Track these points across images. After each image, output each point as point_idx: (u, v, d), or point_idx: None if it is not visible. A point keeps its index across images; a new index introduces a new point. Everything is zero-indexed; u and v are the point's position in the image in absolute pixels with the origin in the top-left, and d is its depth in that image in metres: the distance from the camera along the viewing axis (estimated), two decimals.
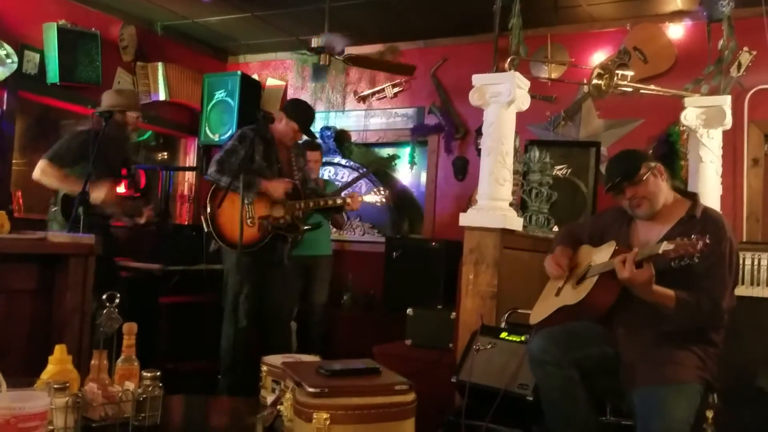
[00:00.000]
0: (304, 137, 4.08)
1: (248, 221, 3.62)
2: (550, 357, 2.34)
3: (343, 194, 4.12)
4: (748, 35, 4.10)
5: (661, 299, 2.24)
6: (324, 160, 5.81)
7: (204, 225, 3.71)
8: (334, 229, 5.24)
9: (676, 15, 4.69)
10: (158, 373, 1.91)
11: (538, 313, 2.63)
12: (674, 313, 2.23)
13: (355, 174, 5.73)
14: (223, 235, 3.67)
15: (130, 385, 1.89)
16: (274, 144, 3.81)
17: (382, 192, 3.89)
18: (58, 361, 1.88)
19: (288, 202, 3.71)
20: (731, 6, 3.63)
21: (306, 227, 3.90)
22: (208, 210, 3.67)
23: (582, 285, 2.46)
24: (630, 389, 2.29)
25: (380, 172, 5.83)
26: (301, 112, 3.87)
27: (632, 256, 2.22)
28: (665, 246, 2.11)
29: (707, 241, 2.06)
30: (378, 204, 3.92)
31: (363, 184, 5.72)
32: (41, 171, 3.54)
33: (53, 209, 3.62)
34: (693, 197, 2.52)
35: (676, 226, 2.42)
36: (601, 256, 2.47)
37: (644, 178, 2.40)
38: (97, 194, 3.46)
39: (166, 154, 6.37)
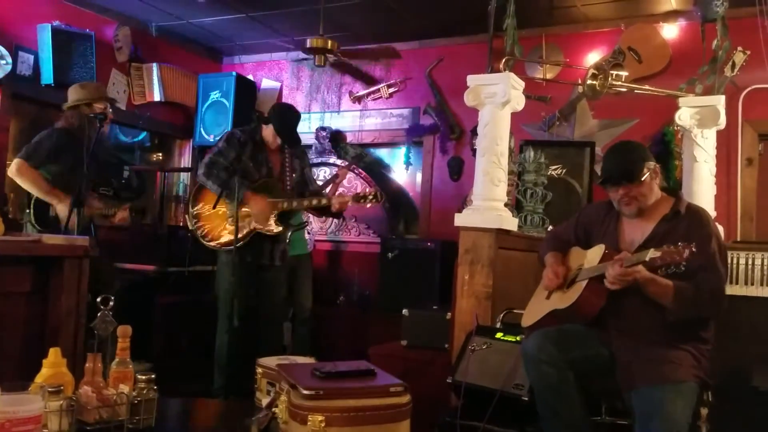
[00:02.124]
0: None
1: (230, 219, 3.63)
2: (546, 356, 2.34)
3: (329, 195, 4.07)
4: (742, 35, 4.12)
5: (659, 289, 2.26)
6: (319, 160, 5.83)
7: (189, 224, 3.76)
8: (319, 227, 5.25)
9: (671, 15, 4.71)
10: (153, 376, 1.91)
11: (529, 316, 2.64)
12: (673, 304, 2.24)
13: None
14: (204, 234, 3.71)
15: (124, 388, 1.89)
16: (263, 146, 3.77)
17: (370, 191, 3.74)
18: (53, 365, 1.87)
19: (270, 201, 3.68)
20: (725, 6, 3.64)
21: (293, 227, 3.89)
22: (191, 210, 3.73)
23: (572, 289, 2.47)
24: (628, 389, 2.30)
25: (374, 171, 5.84)
26: (278, 117, 3.75)
27: (619, 266, 2.24)
28: (652, 254, 2.14)
29: (693, 249, 2.08)
30: (369, 204, 3.72)
31: (359, 184, 5.73)
32: (17, 170, 3.55)
33: (27, 211, 3.63)
34: (676, 194, 2.54)
35: (660, 222, 2.44)
36: (590, 259, 2.48)
37: (643, 179, 2.41)
38: (61, 208, 3.51)
39: (161, 155, 6.36)
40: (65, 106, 3.73)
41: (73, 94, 3.75)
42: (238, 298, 3.66)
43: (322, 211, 3.97)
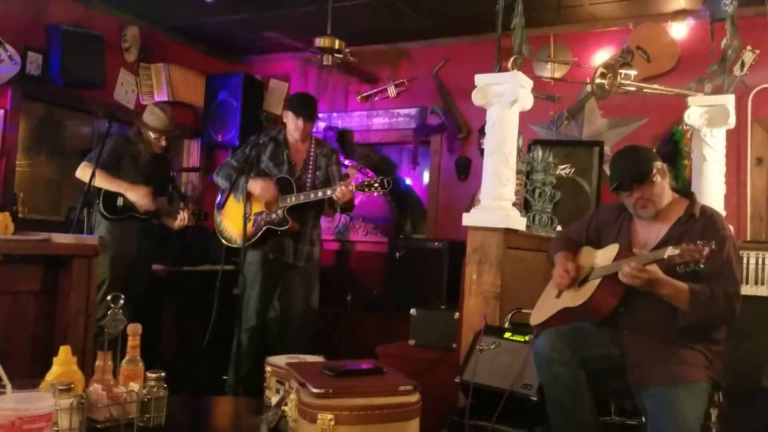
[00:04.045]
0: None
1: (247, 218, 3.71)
2: (558, 356, 2.34)
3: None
4: (752, 34, 4.09)
5: (674, 292, 2.24)
6: None
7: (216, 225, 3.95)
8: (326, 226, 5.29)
9: (679, 14, 4.68)
10: (162, 374, 1.91)
11: (538, 314, 2.63)
12: (689, 307, 2.23)
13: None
14: (225, 234, 3.87)
15: (134, 386, 1.89)
16: (285, 144, 3.85)
17: (376, 178, 3.60)
18: (63, 363, 1.88)
19: (280, 197, 3.74)
20: (734, 5, 3.62)
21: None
22: (215, 209, 3.92)
23: (584, 287, 2.45)
24: (639, 389, 2.29)
25: (382, 170, 5.83)
26: (296, 100, 3.95)
27: (636, 263, 2.22)
28: (671, 251, 2.11)
29: (713, 247, 2.06)
30: (376, 193, 3.64)
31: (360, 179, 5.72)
32: (82, 170, 3.90)
33: (97, 202, 3.91)
34: (690, 196, 2.52)
35: (675, 225, 2.42)
36: (603, 258, 2.47)
37: (653, 179, 2.39)
38: (134, 195, 3.90)
39: (169, 155, 6.37)
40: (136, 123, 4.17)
41: (144, 114, 4.15)
42: (257, 297, 3.72)
43: (333, 208, 3.97)
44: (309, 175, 3.86)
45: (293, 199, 3.74)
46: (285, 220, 3.74)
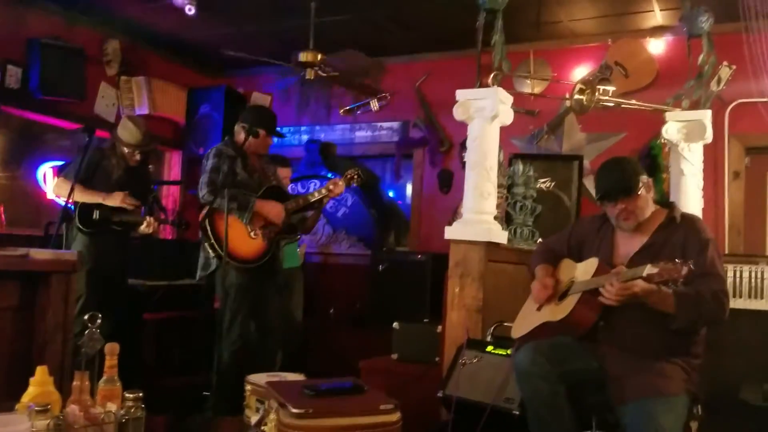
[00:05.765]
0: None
1: (251, 234, 3.60)
2: (538, 370, 2.34)
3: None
4: (728, 50, 4.15)
5: (659, 298, 2.24)
6: (310, 173, 5.82)
7: (210, 250, 3.57)
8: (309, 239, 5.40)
9: (657, 30, 4.76)
10: (140, 394, 1.89)
11: (519, 328, 2.63)
12: (676, 310, 2.24)
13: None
14: (231, 255, 3.51)
15: (112, 407, 1.87)
16: (248, 156, 3.75)
17: (352, 172, 3.91)
18: (40, 383, 1.85)
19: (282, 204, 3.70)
20: (711, 21, 3.69)
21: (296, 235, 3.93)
22: (209, 231, 3.54)
23: (564, 302, 2.46)
24: (619, 403, 2.30)
25: (366, 183, 5.84)
26: (265, 118, 3.82)
27: (617, 281, 2.24)
28: (649, 269, 2.13)
29: (692, 267, 2.08)
30: (355, 182, 3.93)
31: (349, 197, 5.72)
32: (57, 186, 3.93)
33: (73, 216, 3.86)
34: (670, 204, 2.56)
35: (657, 231, 2.44)
36: (583, 272, 2.48)
37: (639, 192, 2.42)
38: (113, 201, 3.87)
39: (150, 168, 6.32)
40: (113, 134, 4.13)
41: (119, 126, 4.10)
42: (241, 321, 3.60)
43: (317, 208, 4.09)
44: (271, 183, 3.83)
45: (293, 204, 3.71)
46: (293, 227, 3.76)
